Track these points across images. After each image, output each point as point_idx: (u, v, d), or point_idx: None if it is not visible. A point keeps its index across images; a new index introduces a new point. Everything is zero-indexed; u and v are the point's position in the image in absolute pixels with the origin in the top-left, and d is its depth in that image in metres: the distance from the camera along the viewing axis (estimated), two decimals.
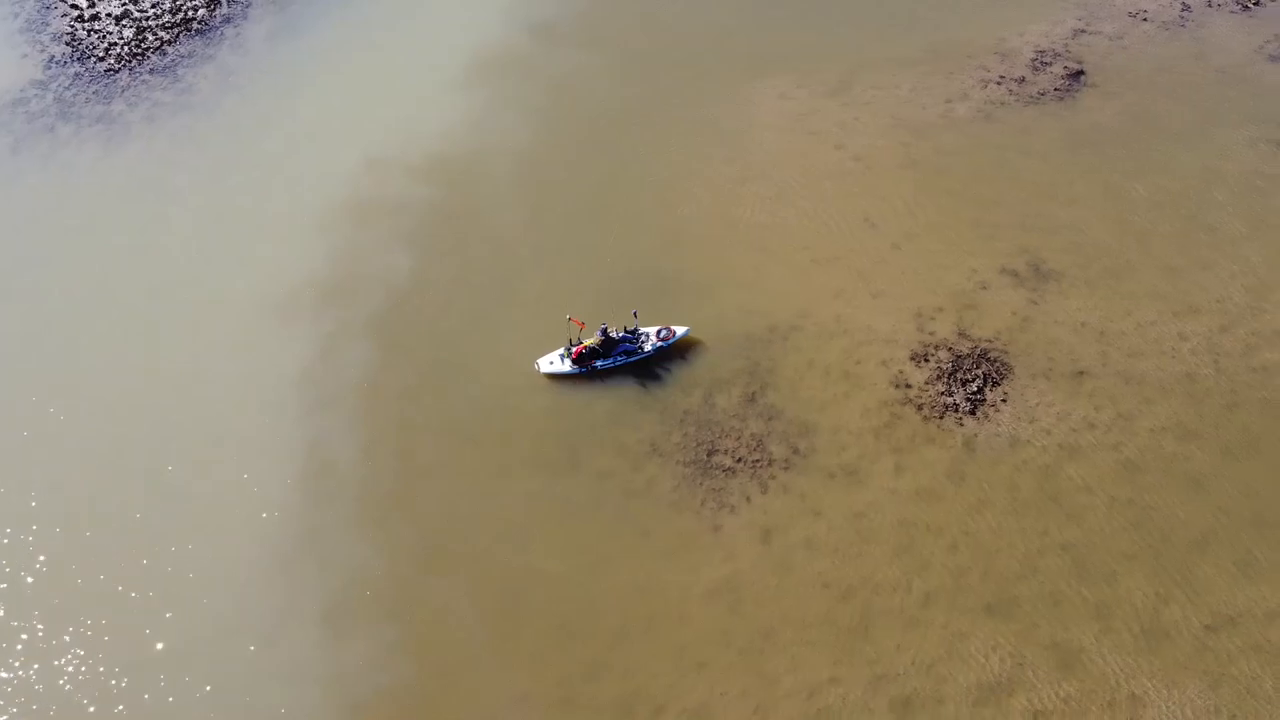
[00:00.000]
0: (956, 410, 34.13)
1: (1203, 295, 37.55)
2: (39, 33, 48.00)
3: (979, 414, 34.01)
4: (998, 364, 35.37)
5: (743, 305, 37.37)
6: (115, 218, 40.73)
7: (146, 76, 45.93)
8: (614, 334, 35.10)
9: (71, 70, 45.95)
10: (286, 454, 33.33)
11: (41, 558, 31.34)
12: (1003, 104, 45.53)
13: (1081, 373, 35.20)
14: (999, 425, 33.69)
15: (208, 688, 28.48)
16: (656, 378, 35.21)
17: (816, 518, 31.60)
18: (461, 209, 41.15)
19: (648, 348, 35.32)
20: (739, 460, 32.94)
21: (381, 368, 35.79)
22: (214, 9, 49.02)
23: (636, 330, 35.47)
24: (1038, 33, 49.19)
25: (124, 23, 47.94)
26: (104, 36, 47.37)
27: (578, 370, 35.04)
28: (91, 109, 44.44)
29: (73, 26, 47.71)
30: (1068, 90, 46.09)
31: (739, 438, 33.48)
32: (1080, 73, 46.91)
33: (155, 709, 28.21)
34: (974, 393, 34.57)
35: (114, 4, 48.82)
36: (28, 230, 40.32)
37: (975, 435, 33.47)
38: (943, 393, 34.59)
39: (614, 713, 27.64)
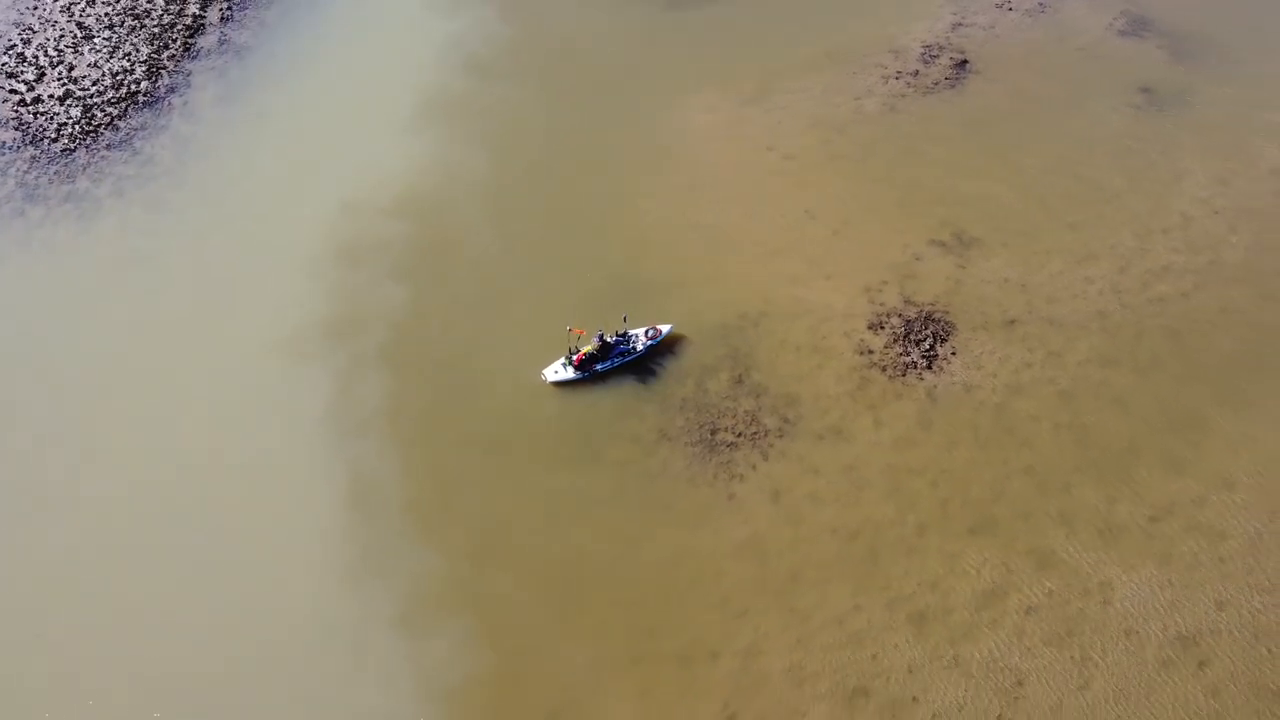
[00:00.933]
0: (915, 367, 39.13)
1: (1100, 244, 43.68)
2: None
3: (935, 368, 39.09)
4: (942, 323, 40.58)
5: (713, 299, 41.58)
6: (109, 290, 42.11)
7: (104, 152, 47.27)
8: (609, 339, 38.81)
9: (26, 154, 46.88)
10: (328, 482, 35.84)
11: (131, 603, 33.09)
12: (904, 96, 51.12)
13: (1012, 321, 40.72)
14: (953, 375, 38.83)
15: (307, 699, 30.95)
16: (652, 373, 39.09)
17: (815, 475, 36.02)
18: (440, 240, 44.16)
19: (639, 347, 39.14)
20: (739, 435, 37.12)
21: (399, 392, 38.59)
22: (155, 80, 50.51)
23: (627, 333, 39.25)
24: (922, 29, 55.12)
25: (69, 102, 49.00)
26: (52, 118, 48.35)
27: (581, 375, 38.61)
28: (56, 189, 45.58)
29: (17, 111, 48.52)
30: (957, 79, 52.03)
31: (735, 415, 37.65)
32: (965, 62, 52.96)
33: None
34: (927, 350, 39.65)
35: (54, 85, 49.77)
36: (27, 313, 41.33)
37: (935, 386, 38.51)
38: (901, 354, 39.55)
39: (676, 663, 31.39)
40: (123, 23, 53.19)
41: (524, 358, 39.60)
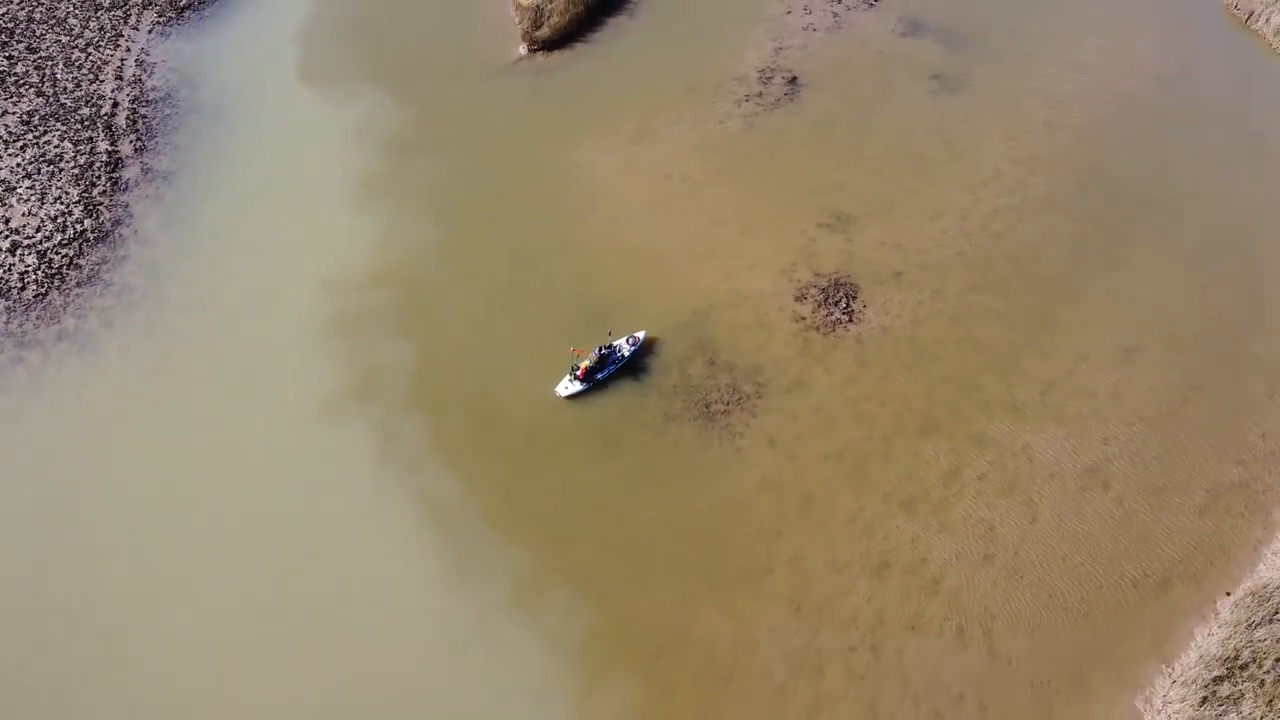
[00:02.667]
0: (840, 323, 49.25)
1: (941, 203, 55.52)
2: None
3: (855, 320, 49.33)
4: (849, 285, 50.96)
5: (668, 304, 50.16)
6: (137, 409, 45.59)
7: (77, 290, 50.34)
8: (603, 351, 46.65)
9: (0, 306, 49.40)
10: (405, 513, 41.63)
11: (302, 652, 37.60)
12: (757, 114, 61.69)
13: (899, 274, 51.66)
14: (870, 322, 49.21)
15: (465, 689, 36.85)
16: (643, 370, 47.16)
17: (795, 419, 45.26)
18: (421, 299, 50.34)
19: (625, 353, 47.17)
20: (728, 404, 45.86)
21: (437, 428, 44.74)
22: (97, 217, 53.65)
23: (613, 343, 47.23)
24: (753, 58, 66.05)
25: (20, 252, 51.48)
26: (10, 269, 50.75)
27: (586, 386, 46.20)
28: (45, 331, 48.39)
29: None
30: (793, 93, 63.17)
31: (719, 390, 46.36)
32: (795, 78, 64.23)
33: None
34: (845, 308, 49.90)
35: None
36: (72, 448, 44.24)
37: (860, 334, 48.74)
38: (827, 315, 49.56)
39: (742, 581, 39.61)
40: (39, 170, 55.80)
41: (533, 380, 46.70)
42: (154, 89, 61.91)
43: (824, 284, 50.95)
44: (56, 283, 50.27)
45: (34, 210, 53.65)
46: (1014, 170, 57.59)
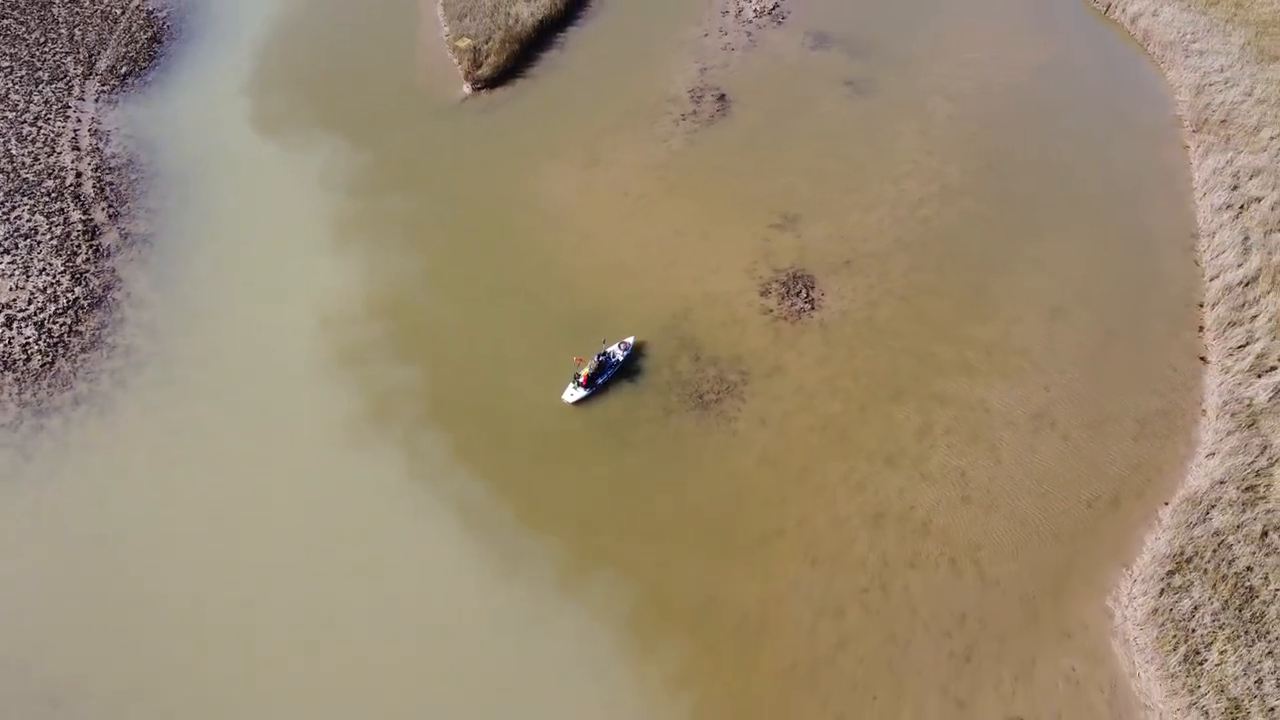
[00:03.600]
0: (804, 311, 54.98)
1: (873, 196, 62.01)
2: None
3: (816, 307, 55.14)
4: (806, 277, 56.80)
5: (648, 311, 55.03)
6: (167, 459, 47.76)
7: (83, 355, 52.12)
8: (600, 358, 51.21)
9: (8, 380, 50.75)
10: (443, 519, 45.23)
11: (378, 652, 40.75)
12: (695, 131, 67.25)
13: (848, 262, 57.78)
14: (830, 308, 55.10)
15: (526, 668, 40.77)
16: (637, 372, 51.88)
17: (779, 400, 50.68)
18: (418, 324, 53.80)
19: (620, 358, 51.87)
20: (719, 393, 50.98)
21: (457, 440, 48.36)
22: (86, 284, 55.29)
23: (607, 350, 51.86)
24: (682, 80, 71.63)
25: (16, 325, 52.87)
26: (11, 343, 52.23)
27: (589, 391, 50.68)
28: (61, 398, 50.17)
29: None
30: (724, 109, 68.98)
31: (708, 381, 51.44)
32: (723, 95, 70.08)
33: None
34: (806, 298, 55.69)
35: None
36: (113, 508, 45.91)
37: (823, 319, 54.56)
38: (791, 306, 55.24)
39: (758, 544, 44.56)
40: (15, 246, 57.14)
41: (538, 390, 50.85)
42: (114, 156, 63.62)
43: (784, 278, 56.62)
44: (61, 350, 51.97)
45: (20, 284, 55.06)
46: (929, 161, 64.55)
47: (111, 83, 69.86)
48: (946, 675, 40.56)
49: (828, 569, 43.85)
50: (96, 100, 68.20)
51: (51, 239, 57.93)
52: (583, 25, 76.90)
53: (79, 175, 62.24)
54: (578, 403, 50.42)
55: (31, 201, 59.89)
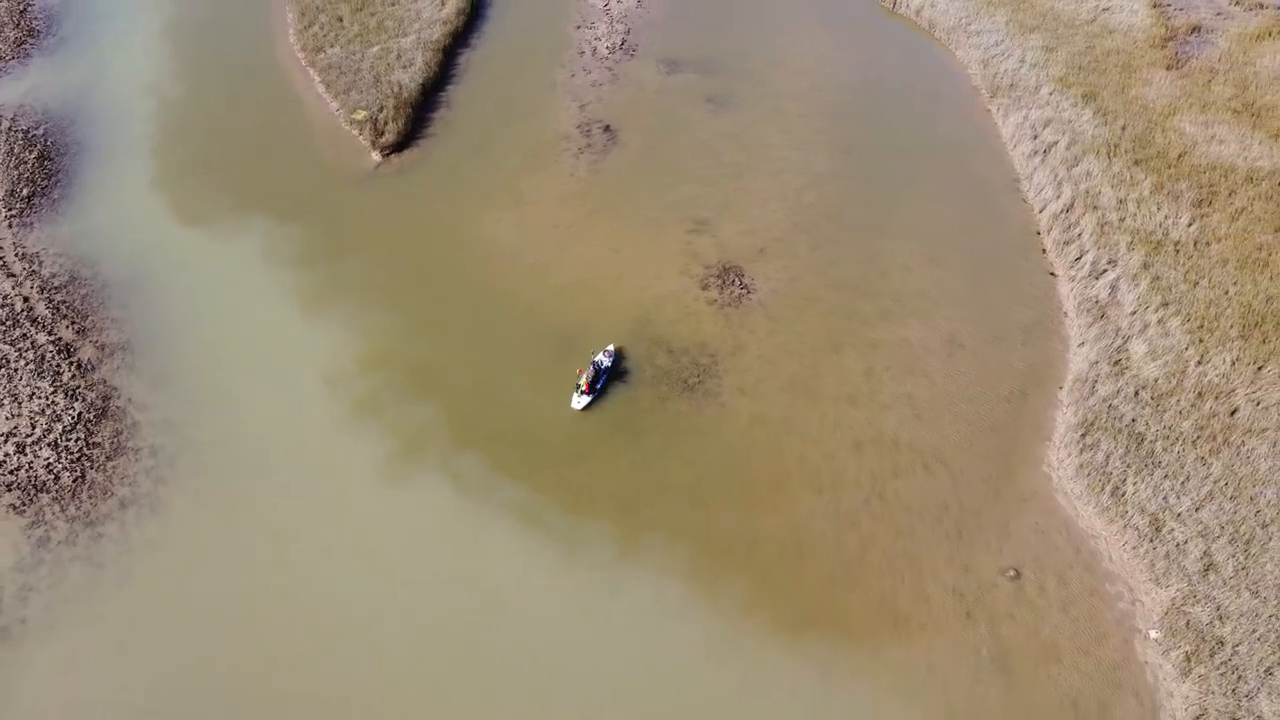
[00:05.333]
0: (743, 296, 64.84)
1: (761, 192, 72.85)
2: None
3: (751, 291, 65.14)
4: (735, 268, 66.73)
5: (614, 320, 63.03)
6: (237, 536, 51.14)
7: (110, 464, 53.83)
8: (595, 367, 58.95)
9: (45, 501, 51.39)
10: (502, 527, 51.48)
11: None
12: (595, 160, 75.84)
13: (762, 250, 68.20)
14: (763, 290, 65.24)
15: (612, 635, 48.06)
16: (625, 374, 59.89)
17: (748, 371, 60.21)
18: (416, 368, 58.80)
19: (608, 363, 59.84)
20: (698, 376, 59.82)
21: (494, 457, 54.38)
22: (84, 399, 56.24)
23: (597, 359, 59.68)
24: (567, 118, 79.99)
25: (31, 450, 53.51)
26: (31, 468, 53.41)
27: (592, 397, 58.32)
28: (106, 505, 52.17)
29: None
30: (613, 138, 77.94)
31: (686, 368, 60.15)
32: (608, 126, 79.03)
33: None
34: (741, 285, 65.58)
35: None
36: (206, 596, 48.31)
37: (760, 300, 64.62)
38: (731, 294, 64.94)
39: (772, 488, 53.61)
40: None
41: (548, 404, 57.68)
42: (54, 276, 64.84)
43: (715, 273, 66.28)
44: (87, 464, 54.08)
45: (15, 412, 56.34)
46: (796, 155, 76.18)
47: (17, 207, 70.34)
48: (948, 550, 51.32)
49: (833, 494, 53.72)
50: (10, 226, 68.71)
51: (27, 364, 59.14)
52: (460, 84, 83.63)
53: (26, 300, 63.27)
54: (585, 408, 57.88)
55: None
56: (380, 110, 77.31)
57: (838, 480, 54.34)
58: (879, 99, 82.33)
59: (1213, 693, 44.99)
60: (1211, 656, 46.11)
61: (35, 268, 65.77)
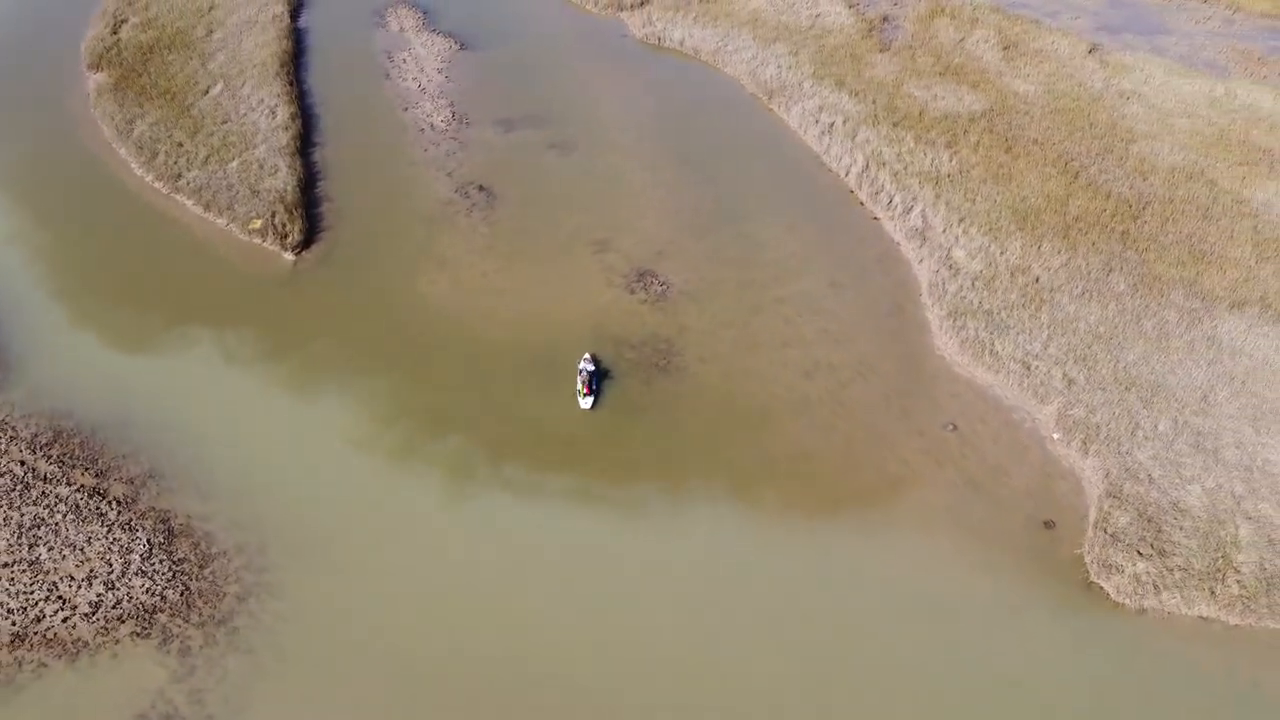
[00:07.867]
0: (664, 292, 78.63)
1: (637, 208, 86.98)
2: None
3: (669, 287, 79.19)
4: (648, 271, 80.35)
5: (574, 336, 74.00)
6: (364, 596, 56.96)
7: (205, 571, 55.96)
8: (586, 373, 70.28)
9: (163, 618, 54.99)
10: (575, 507, 62.05)
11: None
12: (487, 215, 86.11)
13: (660, 252, 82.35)
14: (678, 283, 79.22)
15: (698, 576, 60.31)
16: (607, 372, 71.76)
17: (700, 343, 73.76)
18: (430, 413, 65.87)
19: (591, 368, 71.44)
20: (666, 359, 72.57)
21: (535, 461, 63.58)
22: (141, 529, 59.03)
23: (584, 365, 71.09)
24: (442, 186, 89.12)
25: (120, 585, 55.51)
26: (128, 599, 55.79)
27: (594, 397, 69.74)
28: (226, 605, 54.11)
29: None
30: (492, 195, 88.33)
31: (653, 354, 72.86)
32: (481, 185, 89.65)
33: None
34: (660, 283, 79.45)
35: (84, 592, 55.97)
36: (358, 640, 54.27)
37: (680, 290, 78.60)
38: (656, 291, 78.39)
39: (767, 419, 68.17)
40: (37, 539, 59.02)
41: (560, 410, 68.14)
42: (37, 435, 64.26)
43: (634, 278, 79.55)
44: (184, 578, 57.62)
45: (81, 559, 57.88)
46: (648, 174, 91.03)
47: None
48: (903, 425, 68.19)
49: (807, 412, 69.05)
50: None
51: (65, 517, 60.77)
52: (329, 179, 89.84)
53: (23, 463, 64.21)
54: (591, 407, 69.23)
55: (6, 504, 61.53)
56: (273, 215, 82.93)
57: (805, 402, 69.68)
58: (687, 116, 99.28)
59: (1106, 458, 64.76)
60: (1097, 437, 66.03)
61: (12, 434, 66.32)
